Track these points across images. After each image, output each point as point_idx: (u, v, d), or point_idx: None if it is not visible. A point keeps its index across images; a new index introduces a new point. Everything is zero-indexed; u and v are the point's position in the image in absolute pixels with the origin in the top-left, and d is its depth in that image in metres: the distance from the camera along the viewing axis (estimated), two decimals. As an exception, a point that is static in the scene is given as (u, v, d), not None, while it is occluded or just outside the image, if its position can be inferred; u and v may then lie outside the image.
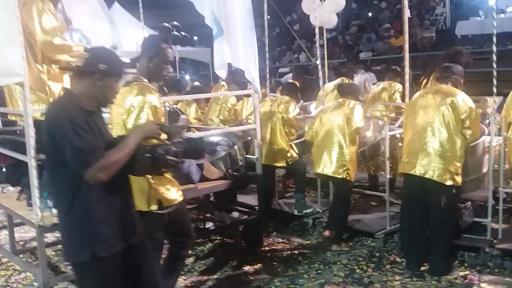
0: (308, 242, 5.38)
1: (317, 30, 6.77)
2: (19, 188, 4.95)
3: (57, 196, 2.63)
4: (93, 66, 2.51)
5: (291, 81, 8.06)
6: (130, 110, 3.23)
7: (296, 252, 5.09)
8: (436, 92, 4.35)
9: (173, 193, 3.46)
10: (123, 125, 3.26)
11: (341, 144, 4.94)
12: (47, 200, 3.79)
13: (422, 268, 4.40)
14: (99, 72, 2.51)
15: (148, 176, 3.19)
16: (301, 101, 6.95)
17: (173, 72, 3.26)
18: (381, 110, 6.70)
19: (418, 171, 4.21)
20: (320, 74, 6.85)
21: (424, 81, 5.23)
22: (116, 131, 3.25)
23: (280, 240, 5.45)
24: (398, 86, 6.57)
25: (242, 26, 5.00)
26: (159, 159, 2.54)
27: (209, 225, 5.44)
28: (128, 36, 7.58)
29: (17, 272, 4.77)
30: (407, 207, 4.50)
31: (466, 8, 15.78)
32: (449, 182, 4.15)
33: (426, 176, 4.17)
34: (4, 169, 5.21)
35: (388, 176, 5.24)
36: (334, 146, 4.96)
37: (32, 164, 3.68)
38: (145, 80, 3.36)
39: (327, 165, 4.98)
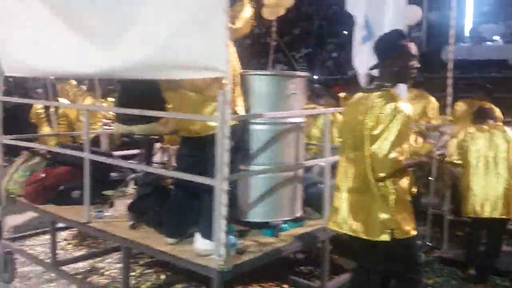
0: (432, 281, 4.67)
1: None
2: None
3: None
4: None
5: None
6: (380, 118, 2.72)
7: (431, 293, 4.39)
8: None
9: (410, 224, 2.84)
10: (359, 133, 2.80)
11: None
12: (232, 236, 2.84)
13: None
14: None
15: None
16: None
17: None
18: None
19: None
20: None
21: None
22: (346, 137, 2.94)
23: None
24: None
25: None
26: None
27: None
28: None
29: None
30: None
31: (445, 34, 15.95)
32: None
33: None
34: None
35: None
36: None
37: (223, 187, 2.70)
38: (388, 85, 2.86)
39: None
